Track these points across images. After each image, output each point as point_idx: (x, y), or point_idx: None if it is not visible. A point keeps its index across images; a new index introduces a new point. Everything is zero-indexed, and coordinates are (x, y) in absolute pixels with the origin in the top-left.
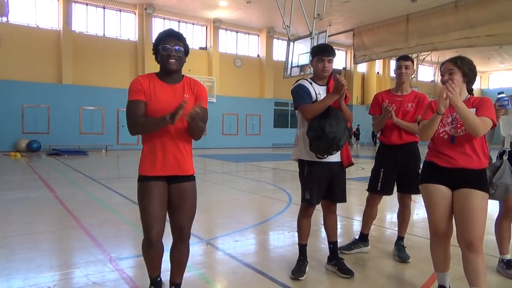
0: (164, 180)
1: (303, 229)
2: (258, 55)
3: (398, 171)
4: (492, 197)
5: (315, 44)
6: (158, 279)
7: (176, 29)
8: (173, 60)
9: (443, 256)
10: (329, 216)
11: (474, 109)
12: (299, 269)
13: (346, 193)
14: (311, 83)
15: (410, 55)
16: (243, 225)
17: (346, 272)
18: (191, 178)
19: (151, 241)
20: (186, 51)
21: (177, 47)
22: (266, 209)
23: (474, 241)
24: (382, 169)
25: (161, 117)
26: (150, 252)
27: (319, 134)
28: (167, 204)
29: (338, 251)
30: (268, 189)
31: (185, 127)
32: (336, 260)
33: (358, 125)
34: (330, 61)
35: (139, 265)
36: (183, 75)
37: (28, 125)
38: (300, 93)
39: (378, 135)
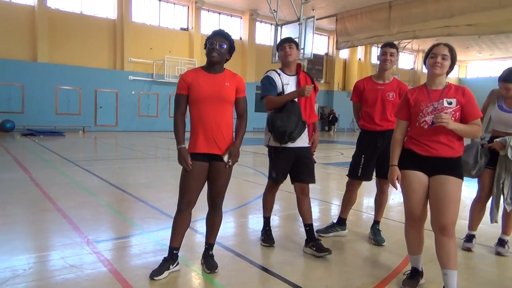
0: (205, 158)
1: (268, 203)
2: (241, 38)
3: (377, 157)
4: (469, 175)
5: (304, 30)
6: (175, 252)
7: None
8: (215, 53)
9: (417, 240)
10: (302, 200)
11: (455, 99)
12: (268, 238)
13: (314, 175)
14: (279, 74)
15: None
16: (223, 209)
17: (323, 251)
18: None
19: (180, 206)
20: (231, 49)
21: (223, 45)
22: (246, 192)
23: (448, 225)
24: (363, 155)
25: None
26: (177, 217)
27: (271, 127)
28: (208, 178)
29: (315, 233)
30: (248, 173)
31: (225, 109)
32: (313, 241)
33: (332, 110)
34: (291, 47)
35: (118, 247)
36: (225, 68)
37: (0, 103)
38: (265, 85)
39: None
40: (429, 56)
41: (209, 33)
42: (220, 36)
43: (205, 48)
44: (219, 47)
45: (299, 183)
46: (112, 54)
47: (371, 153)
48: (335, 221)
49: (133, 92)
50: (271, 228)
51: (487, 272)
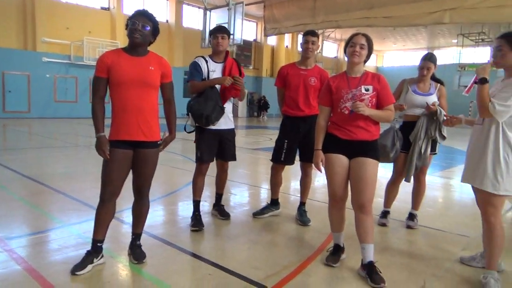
0: (129, 145)
1: (197, 186)
2: (167, 21)
3: (300, 142)
4: (388, 160)
5: (233, 15)
6: (99, 244)
7: None
8: (137, 35)
9: (339, 218)
10: (221, 174)
11: (371, 86)
12: (198, 222)
13: (235, 154)
14: (207, 61)
15: (317, 31)
16: (150, 197)
17: (224, 215)
18: (155, 144)
19: (102, 197)
20: (155, 31)
21: (146, 26)
22: (175, 179)
23: (366, 204)
24: (286, 140)
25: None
26: (100, 209)
27: (189, 110)
28: (132, 167)
29: (223, 204)
30: (176, 160)
31: (150, 94)
32: (217, 206)
33: (263, 96)
34: (224, 38)
35: (34, 243)
36: (149, 51)
37: None
38: (191, 70)
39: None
40: (349, 45)
41: (132, 13)
42: (142, 16)
43: (126, 29)
44: (141, 28)
45: (220, 160)
46: (22, 33)
47: (294, 138)
48: (268, 202)
49: (47, 75)
50: (201, 214)
51: (399, 244)
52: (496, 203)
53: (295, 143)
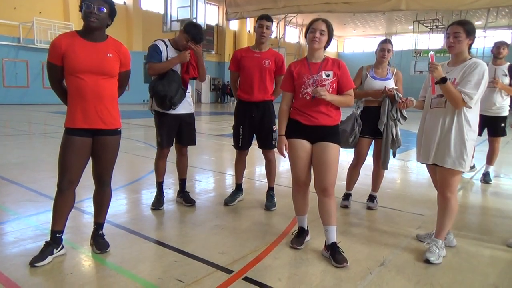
0: (88, 133)
1: (159, 169)
2: (124, 3)
3: (255, 128)
4: (348, 145)
5: None
6: (58, 235)
7: None
8: (94, 19)
9: (303, 202)
10: (180, 158)
11: (331, 72)
12: (158, 202)
13: (195, 138)
14: (167, 46)
15: (271, 16)
16: (113, 186)
17: (189, 201)
18: (116, 132)
19: (60, 185)
20: (112, 12)
21: (101, 8)
22: (138, 167)
23: (328, 187)
24: (241, 126)
25: None
26: (58, 198)
27: (152, 92)
28: (92, 154)
29: (187, 190)
30: (139, 147)
31: (108, 82)
32: (182, 193)
33: (228, 82)
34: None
35: None
36: (108, 35)
37: None
38: (151, 52)
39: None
40: (309, 31)
41: None
42: None
43: (80, 11)
44: (97, 10)
45: (178, 145)
46: None
47: (248, 124)
48: (233, 188)
49: None
50: (165, 201)
51: (360, 225)
52: (456, 180)
53: (250, 128)
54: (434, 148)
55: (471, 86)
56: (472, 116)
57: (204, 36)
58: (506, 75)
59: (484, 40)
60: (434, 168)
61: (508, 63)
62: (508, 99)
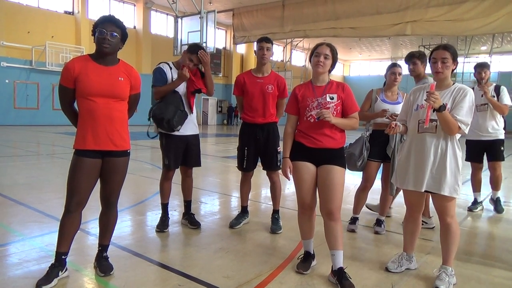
0: (98, 154)
1: (164, 190)
2: (135, 27)
3: (260, 150)
4: (356, 168)
5: (205, 23)
6: (63, 257)
7: None
8: (106, 45)
9: (308, 225)
10: (185, 180)
11: (336, 95)
12: (162, 224)
13: (200, 160)
14: (171, 68)
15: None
16: (118, 207)
17: (194, 224)
18: (125, 154)
19: (68, 207)
20: (124, 37)
21: (113, 33)
22: (144, 189)
23: (334, 211)
24: (246, 148)
25: None
26: (65, 220)
27: (150, 116)
28: (100, 176)
29: (193, 212)
30: (145, 168)
31: (119, 104)
32: (188, 215)
33: (233, 104)
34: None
35: None
36: (119, 59)
37: None
38: (156, 76)
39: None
40: (314, 55)
41: (98, 18)
42: (110, 23)
43: (92, 35)
44: (110, 36)
45: (183, 166)
46: None
47: (253, 146)
48: (239, 211)
49: (7, 81)
50: (170, 223)
51: (367, 250)
52: (453, 204)
53: (255, 150)
54: (427, 175)
55: (464, 113)
56: (457, 140)
57: (206, 52)
58: (494, 96)
59: (491, 64)
60: (420, 195)
61: (494, 84)
62: (502, 121)
